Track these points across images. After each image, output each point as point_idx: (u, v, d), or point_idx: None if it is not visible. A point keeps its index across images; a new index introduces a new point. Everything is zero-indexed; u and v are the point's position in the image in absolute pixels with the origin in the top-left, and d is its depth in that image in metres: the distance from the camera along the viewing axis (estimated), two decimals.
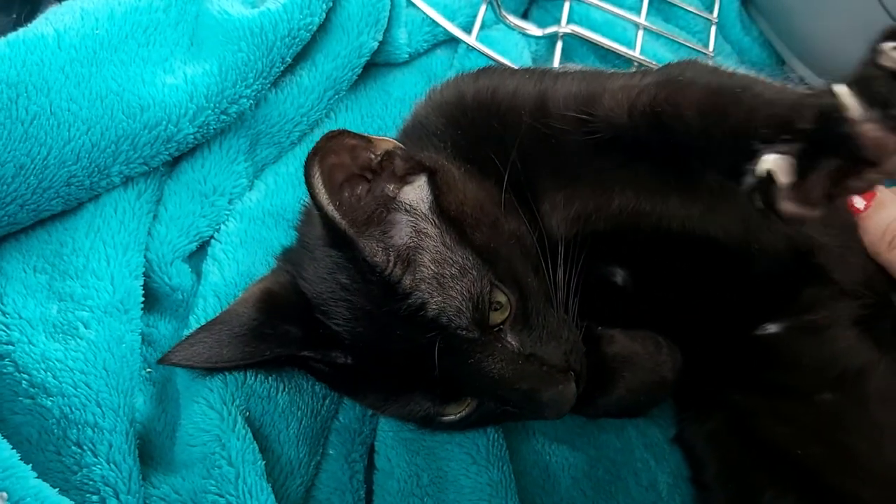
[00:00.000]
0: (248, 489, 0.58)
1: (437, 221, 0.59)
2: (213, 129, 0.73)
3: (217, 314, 0.68)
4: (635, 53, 0.99)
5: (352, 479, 0.69)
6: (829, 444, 0.64)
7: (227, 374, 0.64)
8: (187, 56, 0.74)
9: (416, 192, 0.61)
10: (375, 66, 0.90)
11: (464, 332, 0.56)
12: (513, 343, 0.59)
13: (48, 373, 0.60)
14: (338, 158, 0.57)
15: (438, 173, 0.62)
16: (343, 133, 0.57)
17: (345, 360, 0.62)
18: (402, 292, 0.56)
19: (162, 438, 0.66)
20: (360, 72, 0.84)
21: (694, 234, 0.64)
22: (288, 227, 0.77)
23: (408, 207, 0.60)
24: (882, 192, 0.67)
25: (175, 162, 0.76)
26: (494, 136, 0.65)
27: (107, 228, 0.69)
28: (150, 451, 0.65)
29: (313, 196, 0.55)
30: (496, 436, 0.69)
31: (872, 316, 0.66)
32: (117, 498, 0.58)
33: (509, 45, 0.95)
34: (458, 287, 0.57)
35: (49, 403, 0.59)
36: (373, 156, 0.60)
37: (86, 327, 0.64)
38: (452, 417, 0.62)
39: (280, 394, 0.66)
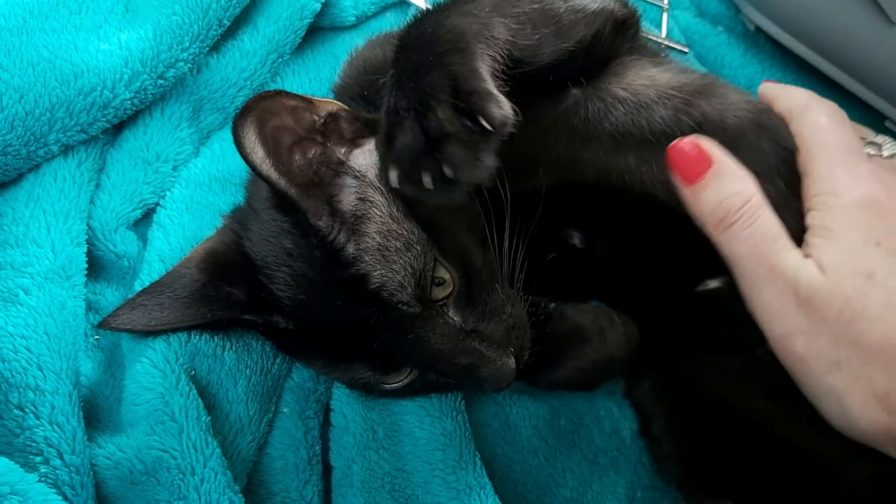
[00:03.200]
0: (192, 444, 0.58)
1: (384, 190, 0.58)
2: (152, 94, 0.73)
3: None
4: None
5: (306, 435, 0.69)
6: (774, 397, 0.64)
7: (170, 333, 0.64)
8: (122, 23, 0.73)
9: (366, 157, 0.60)
10: (323, 30, 0.89)
11: (405, 308, 0.56)
12: (455, 319, 0.59)
13: None
14: (280, 121, 0.56)
15: None
16: (280, 94, 0.56)
17: (286, 326, 0.61)
18: (344, 261, 0.56)
19: (110, 402, 0.66)
20: (303, 34, 0.84)
21: (633, 189, 0.63)
22: (235, 192, 0.77)
23: (357, 173, 0.59)
24: (722, 160, 0.58)
25: (117, 130, 0.76)
26: None
27: (46, 197, 0.69)
28: (99, 415, 0.65)
29: (245, 156, 0.53)
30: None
31: None
32: (61, 458, 0.57)
33: None
34: (401, 261, 0.56)
35: None
36: (316, 118, 0.59)
37: (26, 294, 0.63)
38: (395, 385, 0.62)
39: (227, 352, 0.66)
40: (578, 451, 0.73)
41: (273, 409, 0.68)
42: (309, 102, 0.58)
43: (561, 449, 0.73)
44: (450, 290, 0.59)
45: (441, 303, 0.58)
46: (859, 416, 0.54)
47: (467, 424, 0.67)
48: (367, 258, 0.56)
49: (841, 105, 0.95)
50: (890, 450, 0.55)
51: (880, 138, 0.67)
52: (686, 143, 0.59)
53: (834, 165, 0.59)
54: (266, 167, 0.54)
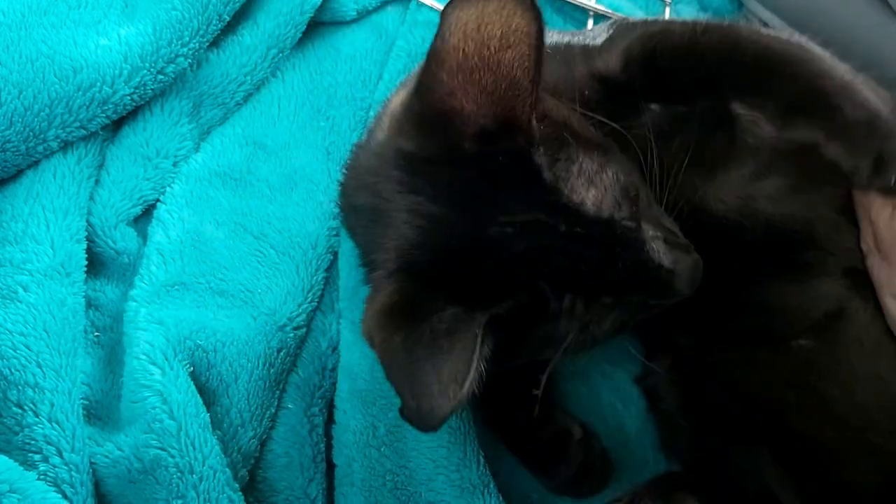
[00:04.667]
0: (191, 441, 0.58)
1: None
2: (151, 90, 0.72)
3: (163, 273, 0.68)
4: (592, 3, 0.97)
5: (311, 432, 0.68)
6: (799, 389, 0.63)
7: (168, 328, 0.64)
8: (121, 18, 0.73)
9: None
10: (323, 24, 0.88)
11: (626, 223, 0.52)
12: (649, 230, 0.55)
13: None
14: None
15: None
16: None
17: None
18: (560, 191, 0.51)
19: (109, 399, 0.65)
20: (304, 29, 0.83)
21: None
22: (236, 187, 0.76)
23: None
24: None
25: (117, 126, 0.76)
26: None
27: (46, 194, 0.68)
28: (99, 413, 0.65)
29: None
30: None
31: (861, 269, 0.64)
32: (60, 456, 0.57)
33: None
34: (606, 180, 0.52)
35: None
36: None
37: (25, 291, 0.63)
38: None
39: (226, 347, 0.65)
40: None
41: (276, 403, 0.68)
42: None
43: None
44: (641, 205, 0.55)
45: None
46: None
47: (472, 422, 0.67)
48: (578, 184, 0.52)
49: None
50: None
51: None
52: None
53: None
54: None
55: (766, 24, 0.96)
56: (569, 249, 0.51)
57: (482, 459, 0.65)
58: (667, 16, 1.01)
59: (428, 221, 0.51)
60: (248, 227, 0.74)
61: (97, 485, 0.59)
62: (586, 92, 0.61)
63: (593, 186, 0.52)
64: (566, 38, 0.68)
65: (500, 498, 0.63)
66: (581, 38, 0.68)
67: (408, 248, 0.51)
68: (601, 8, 0.96)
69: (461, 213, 0.51)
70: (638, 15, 0.97)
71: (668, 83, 0.63)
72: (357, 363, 0.69)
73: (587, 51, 0.65)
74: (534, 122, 0.51)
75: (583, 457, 0.67)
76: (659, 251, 0.54)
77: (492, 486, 0.64)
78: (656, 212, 0.57)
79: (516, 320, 0.52)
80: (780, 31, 0.66)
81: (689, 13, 1.02)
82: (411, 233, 0.51)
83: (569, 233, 0.51)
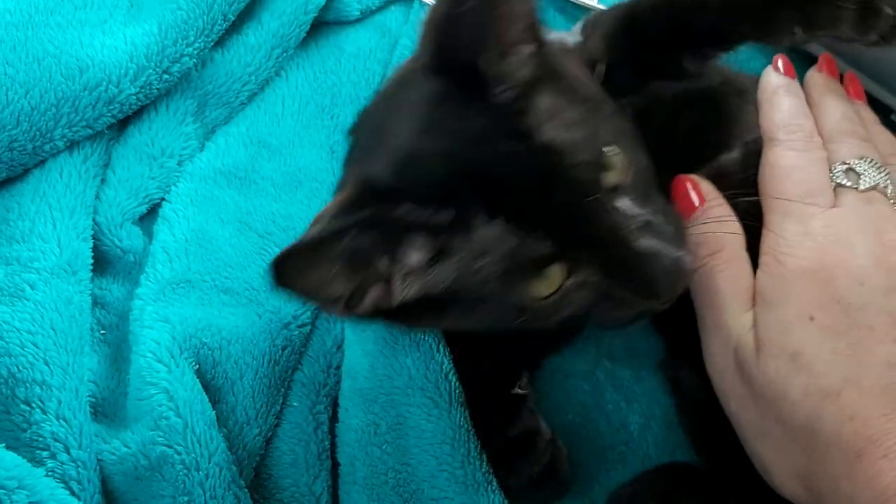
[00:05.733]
0: (197, 439, 0.58)
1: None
2: (157, 89, 0.73)
3: (168, 272, 0.69)
4: (594, 3, 0.98)
5: (316, 430, 0.68)
6: None
7: (174, 326, 0.64)
8: (127, 18, 0.74)
9: None
10: (327, 24, 0.89)
11: (584, 173, 0.48)
12: (628, 205, 0.49)
13: None
14: None
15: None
16: None
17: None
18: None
19: (116, 397, 0.66)
20: (307, 28, 0.84)
21: None
22: (240, 185, 0.77)
23: None
24: (710, 207, 0.57)
25: (122, 126, 0.76)
26: None
27: (52, 192, 0.69)
28: (105, 410, 0.65)
29: None
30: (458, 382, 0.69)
31: None
32: (68, 453, 0.57)
33: None
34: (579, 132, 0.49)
35: None
36: None
37: (32, 289, 0.64)
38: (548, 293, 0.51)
39: (232, 345, 0.65)
40: (586, 445, 0.73)
41: (281, 401, 0.68)
42: None
43: (568, 444, 0.73)
44: (623, 175, 0.50)
45: (615, 187, 0.50)
46: (781, 487, 0.54)
47: None
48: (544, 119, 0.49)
49: None
50: None
51: (861, 166, 0.57)
52: (688, 179, 0.58)
53: (786, 219, 0.55)
54: None
55: None
56: (506, 166, 0.48)
57: (486, 457, 0.65)
58: None
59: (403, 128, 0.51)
60: (252, 226, 0.75)
61: (104, 481, 0.59)
62: None
63: (563, 126, 0.48)
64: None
65: (504, 496, 0.63)
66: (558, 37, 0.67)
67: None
68: (603, 8, 0.97)
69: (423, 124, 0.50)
70: None
71: (649, 43, 0.60)
72: (358, 361, 0.69)
73: (566, 48, 0.63)
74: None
75: (549, 459, 0.66)
76: (631, 225, 0.48)
77: (495, 483, 0.64)
78: (658, 200, 0.52)
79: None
80: None
81: None
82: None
83: (512, 151, 0.48)
